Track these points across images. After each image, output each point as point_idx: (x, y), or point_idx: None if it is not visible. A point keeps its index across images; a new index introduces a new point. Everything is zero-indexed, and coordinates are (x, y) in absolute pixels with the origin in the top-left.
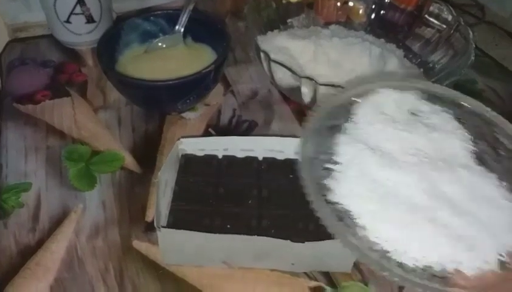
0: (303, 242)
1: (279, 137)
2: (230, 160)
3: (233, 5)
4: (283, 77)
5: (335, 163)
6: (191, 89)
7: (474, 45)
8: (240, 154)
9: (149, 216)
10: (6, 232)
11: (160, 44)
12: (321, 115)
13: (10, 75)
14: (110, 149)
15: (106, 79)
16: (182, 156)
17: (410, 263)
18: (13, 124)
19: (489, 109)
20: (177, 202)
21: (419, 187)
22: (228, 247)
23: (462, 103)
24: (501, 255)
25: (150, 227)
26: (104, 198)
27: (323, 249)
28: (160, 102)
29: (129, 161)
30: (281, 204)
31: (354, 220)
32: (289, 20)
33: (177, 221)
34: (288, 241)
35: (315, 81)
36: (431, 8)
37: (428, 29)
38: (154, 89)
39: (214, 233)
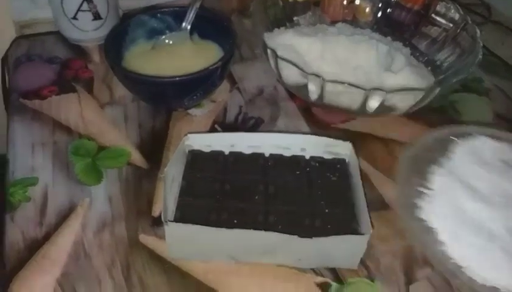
0: (311, 237)
1: (286, 134)
2: (236, 156)
3: (239, 2)
4: (290, 74)
5: (428, 188)
6: (198, 86)
7: (482, 44)
8: (247, 151)
9: (156, 211)
10: (13, 225)
11: (166, 40)
12: (419, 145)
13: (16, 71)
14: (116, 145)
15: (113, 76)
16: (188, 151)
17: (479, 280)
18: (20, 119)
19: None
20: (184, 197)
21: (502, 223)
22: (235, 242)
23: None
24: None
25: (157, 222)
26: (111, 193)
27: (330, 245)
28: (166, 98)
29: (136, 157)
30: (287, 200)
31: (436, 235)
32: (295, 18)
33: (184, 215)
34: (295, 237)
35: (323, 78)
36: (438, 7)
37: (435, 28)
38: (160, 85)
39: (221, 228)
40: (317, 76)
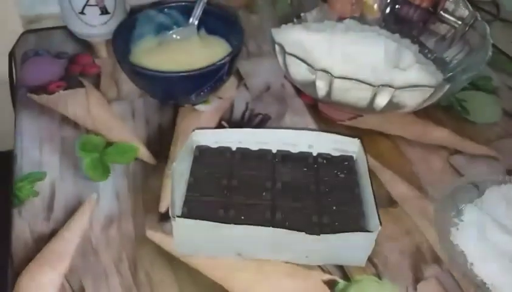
0: (318, 234)
1: (293, 130)
2: (243, 152)
3: None
4: (298, 71)
5: (461, 220)
6: (206, 81)
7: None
8: (254, 147)
9: (163, 207)
10: (21, 220)
11: (174, 36)
12: (457, 186)
13: (24, 66)
14: (124, 140)
15: (120, 71)
16: (196, 147)
17: None
18: (28, 114)
19: None
20: (191, 193)
21: None
22: (242, 238)
23: None
24: None
25: (164, 218)
26: (118, 189)
27: (337, 242)
28: (174, 94)
29: (143, 152)
30: (295, 197)
31: (465, 257)
32: (302, 14)
33: (192, 211)
34: (303, 234)
35: (331, 75)
36: (446, 4)
37: (444, 25)
38: (168, 80)
39: (229, 224)
40: (326, 72)
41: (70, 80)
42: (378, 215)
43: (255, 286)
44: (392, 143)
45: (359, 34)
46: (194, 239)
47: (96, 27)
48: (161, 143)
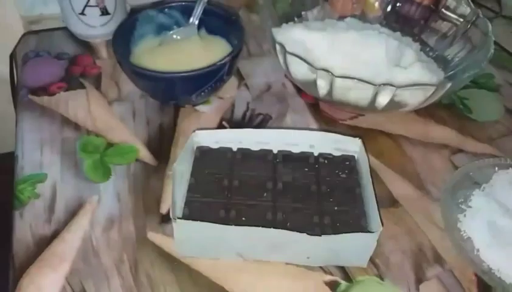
0: (320, 235)
1: (294, 130)
2: (244, 153)
3: None
4: (299, 70)
5: (468, 206)
6: (206, 81)
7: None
8: (255, 147)
9: (164, 208)
10: (22, 222)
11: (174, 36)
12: (463, 171)
13: (25, 67)
14: (125, 141)
15: (120, 72)
16: (196, 148)
17: (507, 280)
18: (29, 115)
19: None
20: (192, 194)
21: None
22: (243, 239)
23: None
24: None
25: (165, 219)
26: (119, 190)
27: (339, 243)
28: (174, 94)
29: (144, 153)
30: (296, 197)
31: (472, 243)
32: (303, 13)
33: (193, 212)
34: (304, 235)
35: (332, 74)
36: (448, 2)
37: (445, 23)
38: (169, 80)
39: (230, 225)
40: (326, 71)
41: (71, 81)
42: (380, 215)
43: (256, 287)
44: (394, 142)
45: (360, 33)
46: (195, 240)
47: (96, 27)
48: (162, 144)
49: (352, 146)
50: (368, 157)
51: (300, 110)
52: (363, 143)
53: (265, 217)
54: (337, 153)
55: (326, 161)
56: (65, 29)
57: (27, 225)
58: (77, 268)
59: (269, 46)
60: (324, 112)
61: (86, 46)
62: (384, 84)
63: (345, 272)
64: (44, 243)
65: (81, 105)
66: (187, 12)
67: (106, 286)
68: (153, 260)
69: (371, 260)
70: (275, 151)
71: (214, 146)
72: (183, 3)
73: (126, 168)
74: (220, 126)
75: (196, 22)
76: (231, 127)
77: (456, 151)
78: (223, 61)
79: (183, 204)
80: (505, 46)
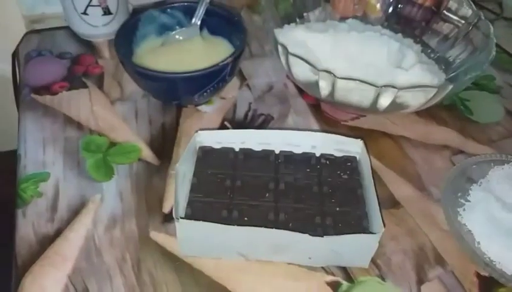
0: (322, 236)
1: (296, 131)
2: (247, 153)
3: None
4: (301, 71)
5: (467, 200)
6: (209, 82)
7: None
8: (257, 148)
9: (167, 207)
10: (25, 221)
11: (177, 36)
12: (462, 166)
13: (27, 66)
14: (127, 141)
15: (123, 72)
16: (199, 148)
17: (508, 271)
18: (31, 115)
19: None
20: (195, 194)
21: None
22: (246, 239)
23: None
24: None
25: (167, 219)
26: (122, 189)
27: (341, 243)
28: (177, 94)
29: (147, 153)
30: (298, 198)
31: (473, 236)
32: (305, 14)
33: (195, 212)
34: (306, 235)
35: (334, 75)
36: (450, 3)
37: (447, 24)
38: (171, 80)
39: (232, 225)
40: (328, 72)
41: (73, 81)
42: (382, 217)
43: (258, 287)
44: (395, 143)
45: (362, 35)
46: (198, 240)
47: (98, 27)
48: (164, 143)
49: (354, 147)
50: (370, 158)
51: (301, 111)
52: (365, 144)
53: (267, 217)
54: (338, 154)
55: (327, 162)
56: (67, 28)
57: (29, 224)
58: (80, 267)
59: (270, 47)
60: (325, 113)
61: (88, 45)
62: (386, 86)
63: (347, 273)
64: (46, 242)
65: (83, 104)
66: (189, 12)
67: (109, 285)
68: (156, 259)
69: (373, 261)
70: (277, 152)
71: (217, 146)
72: (186, 3)
73: (128, 167)
74: (222, 127)
75: (198, 23)
76: (233, 127)
77: (457, 152)
78: (225, 62)
79: (185, 203)
80: (506, 48)
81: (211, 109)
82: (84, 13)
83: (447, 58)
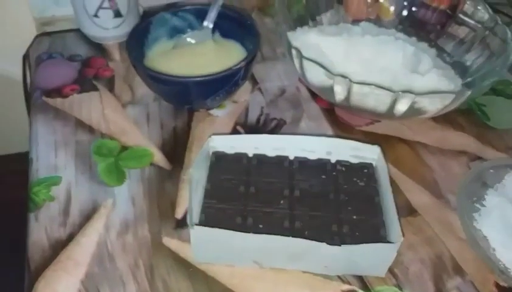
0: (340, 245)
1: (311, 136)
2: (260, 159)
3: (259, 0)
4: (315, 75)
5: (483, 205)
6: (221, 86)
7: None
8: (271, 153)
9: (179, 213)
10: (37, 225)
11: (188, 39)
12: (478, 171)
13: (38, 69)
14: (139, 145)
15: (134, 75)
16: (212, 153)
17: None
18: (43, 117)
19: None
20: (208, 200)
21: None
22: (261, 247)
23: None
24: None
25: (180, 224)
26: (134, 194)
27: (358, 252)
28: (189, 98)
29: (158, 157)
30: (313, 205)
31: (488, 242)
32: (318, 17)
33: (209, 219)
34: (324, 244)
35: (349, 79)
36: (465, 7)
37: (462, 28)
38: (184, 85)
39: (247, 232)
40: (344, 77)
41: (84, 83)
42: (400, 226)
43: None
44: (411, 149)
45: (376, 39)
46: (212, 247)
47: (109, 30)
48: (176, 147)
49: (370, 153)
50: (387, 165)
51: (315, 115)
52: (383, 150)
53: (282, 225)
54: (354, 160)
55: (343, 168)
56: (77, 31)
57: (42, 228)
58: (92, 272)
59: (282, 50)
60: (340, 117)
61: (99, 48)
62: (404, 91)
63: (363, 282)
64: (59, 246)
65: (94, 108)
66: (201, 15)
67: (122, 291)
68: (169, 265)
69: (390, 270)
70: (291, 158)
71: (230, 151)
72: (198, 6)
73: (140, 172)
74: (234, 131)
75: (211, 26)
76: (246, 132)
77: (475, 158)
78: (238, 66)
79: (199, 210)
80: None
81: (223, 113)
82: (95, 15)
83: (463, 63)
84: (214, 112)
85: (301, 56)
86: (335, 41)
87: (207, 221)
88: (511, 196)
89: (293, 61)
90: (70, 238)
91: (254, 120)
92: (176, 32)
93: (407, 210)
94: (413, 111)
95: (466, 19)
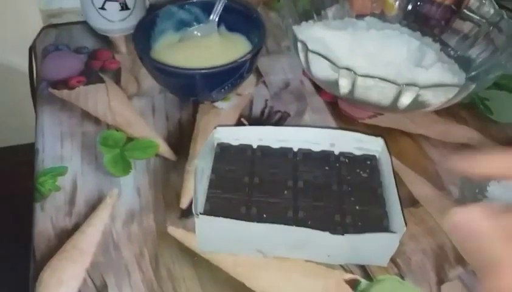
0: (343, 234)
1: (315, 128)
2: (265, 150)
3: None
4: (320, 68)
5: (485, 196)
6: (227, 79)
7: None
8: (275, 145)
9: (184, 203)
10: (43, 215)
11: (194, 32)
12: None
13: (44, 61)
14: (144, 136)
15: (140, 67)
16: (217, 144)
17: None
18: (49, 109)
19: None
20: (213, 190)
21: None
22: (265, 236)
23: None
24: None
25: (185, 214)
26: (139, 184)
27: (361, 242)
28: (195, 90)
29: (164, 148)
30: (317, 196)
31: None
32: (323, 11)
33: (214, 208)
34: (327, 233)
35: (354, 73)
36: (471, 2)
37: (467, 23)
38: (190, 77)
39: (252, 222)
40: (349, 70)
41: (90, 75)
42: (403, 216)
43: (276, 283)
44: (413, 142)
45: (381, 33)
46: (217, 236)
47: (115, 22)
48: (181, 139)
49: (373, 145)
50: (390, 157)
51: (318, 108)
52: (386, 142)
53: (286, 215)
54: (358, 152)
55: (347, 160)
56: (84, 23)
57: (48, 218)
58: (98, 261)
59: (287, 43)
60: (343, 110)
61: (105, 41)
62: (408, 84)
63: (366, 271)
64: (64, 236)
65: (100, 99)
66: (207, 8)
67: (127, 279)
68: (173, 254)
69: (392, 260)
70: (295, 149)
71: (234, 143)
72: None
73: (146, 162)
74: (239, 123)
75: (216, 19)
76: (250, 124)
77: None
78: (244, 59)
79: (204, 199)
80: None
81: (228, 106)
82: (102, 8)
83: (467, 57)
84: (219, 104)
85: (306, 50)
86: (340, 35)
87: (212, 210)
88: None
89: (298, 54)
90: (76, 227)
91: (258, 112)
92: (182, 25)
93: (409, 201)
94: (417, 104)
95: (471, 14)
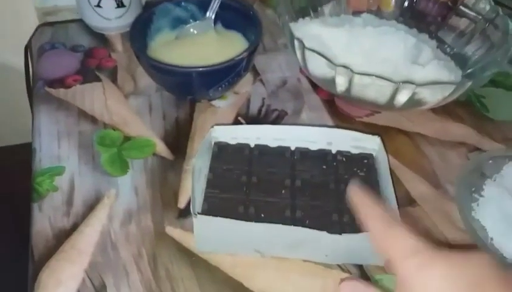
0: (340, 234)
1: (312, 127)
2: (262, 149)
3: None
4: (317, 66)
5: (481, 195)
6: (224, 76)
7: None
8: (272, 144)
9: (182, 202)
10: (41, 215)
11: (191, 30)
12: (477, 161)
13: (40, 59)
14: (141, 135)
15: (136, 65)
16: (214, 143)
17: None
18: (46, 108)
19: None
20: (211, 190)
21: None
22: (263, 236)
23: None
24: None
25: (182, 214)
26: (137, 184)
27: (359, 241)
28: (192, 89)
29: (161, 147)
30: (314, 195)
31: (487, 233)
32: (319, 8)
33: (212, 208)
34: (324, 233)
35: (351, 70)
36: None
37: (463, 20)
38: (187, 75)
39: (250, 222)
40: (346, 68)
41: (87, 74)
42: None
43: (274, 284)
44: (410, 140)
45: (378, 30)
46: (215, 236)
47: (111, 20)
48: (178, 138)
49: (370, 144)
50: (387, 155)
51: (315, 106)
52: (383, 141)
53: (284, 214)
54: (355, 151)
55: (344, 159)
56: (80, 21)
57: (46, 218)
58: (96, 262)
59: (283, 41)
60: (340, 108)
61: (101, 38)
62: (405, 82)
63: (363, 271)
64: (63, 236)
65: (97, 98)
66: (204, 6)
67: (125, 279)
68: (171, 254)
69: None
70: (292, 148)
71: (232, 141)
72: None
73: (143, 162)
74: (236, 122)
75: (213, 16)
76: (247, 123)
77: (474, 149)
78: (241, 56)
79: (202, 199)
80: None
81: (225, 104)
82: (98, 5)
83: (463, 54)
84: (216, 103)
85: (303, 47)
86: (337, 32)
87: (210, 210)
88: (509, 186)
89: (295, 52)
90: (74, 227)
91: (255, 111)
92: (178, 23)
93: (406, 200)
94: (413, 102)
95: (467, 10)
